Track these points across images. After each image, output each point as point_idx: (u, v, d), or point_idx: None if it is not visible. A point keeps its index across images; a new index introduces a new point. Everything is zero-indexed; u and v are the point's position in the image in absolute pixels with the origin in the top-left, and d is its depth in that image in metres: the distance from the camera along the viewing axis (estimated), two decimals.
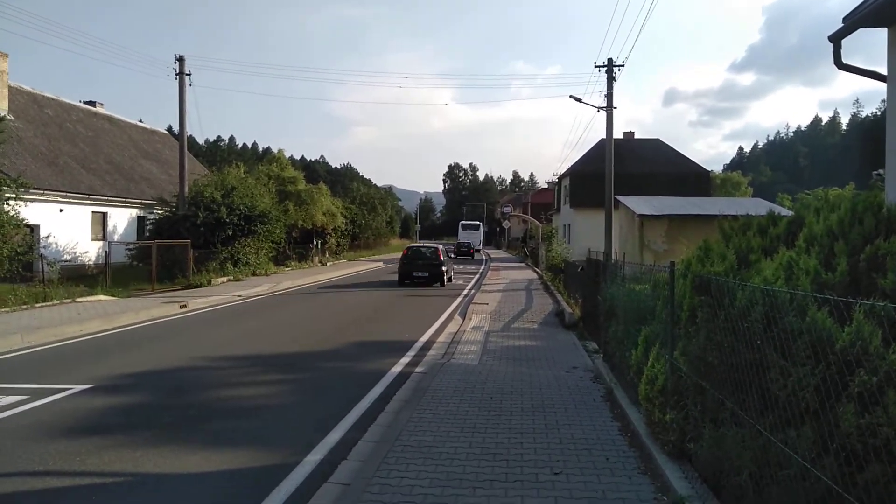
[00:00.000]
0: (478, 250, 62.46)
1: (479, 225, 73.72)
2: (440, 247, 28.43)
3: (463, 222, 72.54)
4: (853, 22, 6.45)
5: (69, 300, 17.24)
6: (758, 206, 16.44)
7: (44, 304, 16.43)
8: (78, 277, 21.14)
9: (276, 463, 5.64)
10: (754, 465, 3.79)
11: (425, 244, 32.06)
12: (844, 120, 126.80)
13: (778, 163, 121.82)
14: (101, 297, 18.41)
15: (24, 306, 15.77)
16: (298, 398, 8.11)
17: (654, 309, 6.45)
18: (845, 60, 6.68)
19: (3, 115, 21.25)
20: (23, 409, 7.27)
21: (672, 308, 5.43)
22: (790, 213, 5.33)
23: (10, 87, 26.46)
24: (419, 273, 25.74)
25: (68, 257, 24.51)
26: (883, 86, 6.66)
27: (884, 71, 6.61)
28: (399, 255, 30.10)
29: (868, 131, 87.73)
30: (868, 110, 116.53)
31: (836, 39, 6.63)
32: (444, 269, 25.90)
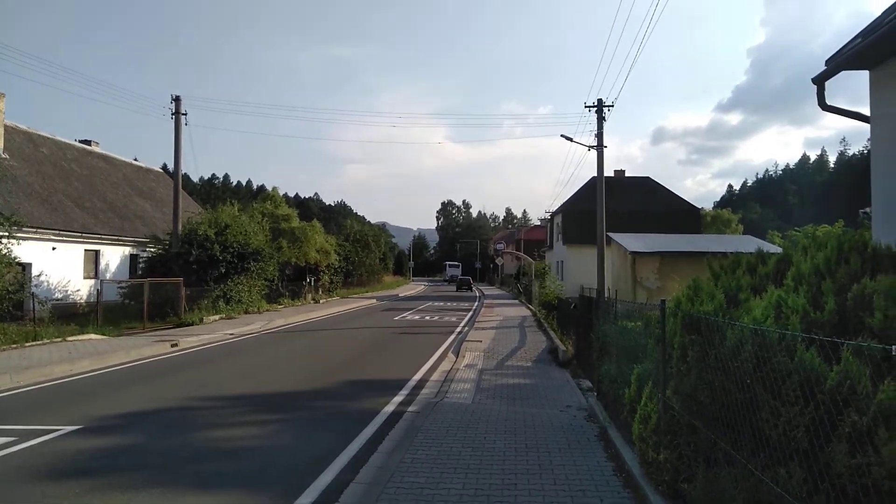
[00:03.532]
0: None
1: (458, 265, 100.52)
2: (469, 278, 74.36)
3: (448, 262, 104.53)
4: (836, 65, 6.63)
5: (59, 339, 17.10)
6: (748, 244, 16.59)
7: (34, 343, 16.28)
8: (69, 316, 21.01)
9: None
10: None
11: (463, 276, 78.08)
12: (832, 158, 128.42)
13: (768, 200, 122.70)
14: (92, 335, 18.28)
15: (14, 346, 15.63)
16: (290, 439, 8.01)
17: (647, 347, 6.45)
18: (829, 101, 6.84)
19: None
20: (11, 450, 7.18)
21: (664, 347, 5.44)
22: (779, 250, 5.39)
23: (5, 127, 26.67)
24: (463, 287, 66.36)
25: (60, 295, 24.39)
26: (867, 125, 6.82)
27: (867, 112, 6.77)
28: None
29: (855, 169, 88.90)
30: (855, 148, 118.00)
31: (819, 81, 6.80)
32: (472, 285, 71.70)
